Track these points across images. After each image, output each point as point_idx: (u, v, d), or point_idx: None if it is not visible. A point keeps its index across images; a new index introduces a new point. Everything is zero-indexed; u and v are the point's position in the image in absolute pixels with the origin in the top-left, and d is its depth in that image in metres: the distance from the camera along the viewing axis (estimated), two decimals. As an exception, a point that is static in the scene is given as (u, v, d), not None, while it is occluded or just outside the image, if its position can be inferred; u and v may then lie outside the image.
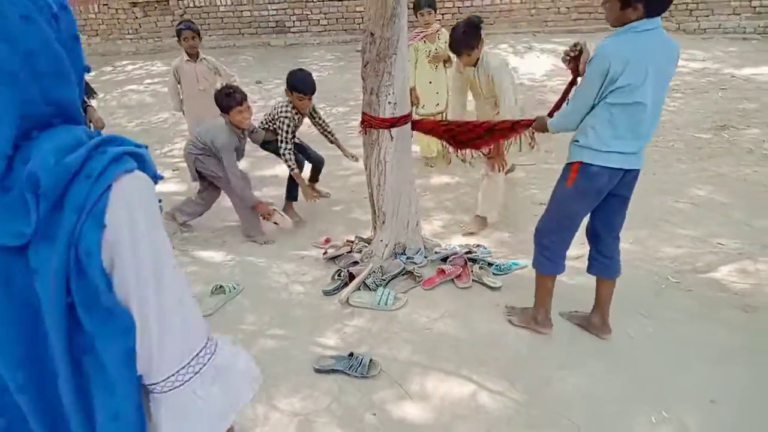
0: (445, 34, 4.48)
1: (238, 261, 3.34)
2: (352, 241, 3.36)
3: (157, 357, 0.72)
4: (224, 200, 3.76)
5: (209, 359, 0.77)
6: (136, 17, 10.42)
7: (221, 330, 2.60)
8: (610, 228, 2.35)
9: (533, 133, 2.67)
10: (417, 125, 3.06)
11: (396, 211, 3.04)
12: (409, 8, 2.87)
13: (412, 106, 3.35)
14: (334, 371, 2.31)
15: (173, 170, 5.00)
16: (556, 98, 2.63)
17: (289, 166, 3.58)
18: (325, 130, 3.95)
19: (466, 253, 3.12)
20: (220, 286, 2.92)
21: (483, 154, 3.24)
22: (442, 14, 9.57)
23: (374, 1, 2.60)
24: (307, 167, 3.98)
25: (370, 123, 2.87)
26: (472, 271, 2.97)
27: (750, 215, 3.55)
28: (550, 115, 2.41)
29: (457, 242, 3.41)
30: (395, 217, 3.05)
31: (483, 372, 2.29)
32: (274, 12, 10.19)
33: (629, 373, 2.25)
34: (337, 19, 10.15)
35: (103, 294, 0.67)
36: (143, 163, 0.72)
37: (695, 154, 4.67)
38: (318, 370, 2.32)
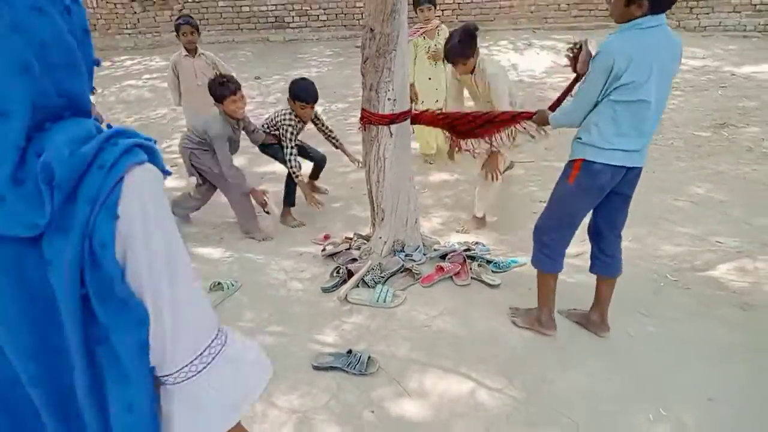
0: (444, 31, 4.47)
1: (237, 257, 3.34)
2: (351, 238, 3.35)
3: (171, 348, 0.72)
4: (222, 196, 3.75)
5: (221, 349, 0.78)
6: (135, 12, 10.37)
7: (219, 326, 2.60)
8: (612, 226, 2.34)
9: (537, 128, 2.65)
10: (417, 119, 3.05)
11: (395, 208, 3.03)
12: (408, 4, 2.86)
13: (411, 102, 3.34)
14: (332, 368, 2.30)
15: (171, 166, 4.98)
16: (555, 95, 2.62)
17: (294, 173, 3.58)
18: (329, 136, 3.96)
19: (465, 250, 3.11)
20: (219, 283, 2.92)
21: (476, 154, 3.23)
22: (442, 10, 9.54)
23: (374, -4, 2.58)
24: (308, 165, 3.97)
25: (369, 119, 2.86)
26: (470, 269, 2.96)
27: (749, 213, 3.55)
28: (552, 109, 2.41)
29: (455, 240, 3.40)
30: (394, 214, 3.05)
31: (482, 369, 2.29)
32: (273, 7, 10.15)
33: (628, 371, 2.25)
34: (336, 14, 10.11)
35: (118, 285, 0.67)
36: (153, 156, 0.72)
37: (694, 152, 4.67)
38: (316, 367, 2.32)
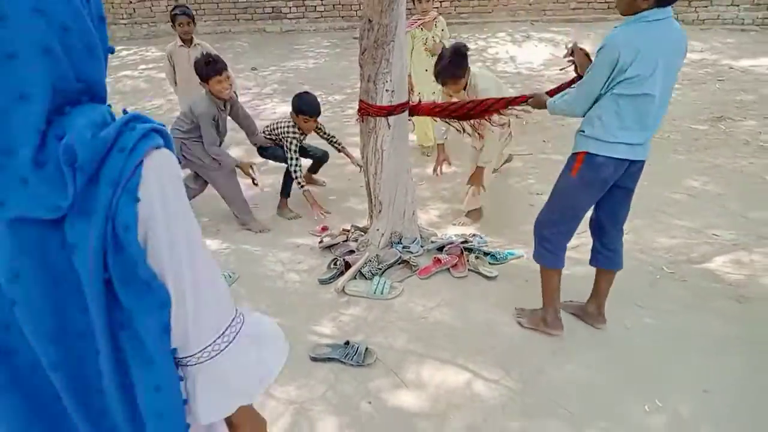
0: (442, 22, 4.45)
1: (234, 249, 3.33)
2: (348, 230, 3.35)
3: (193, 328, 0.74)
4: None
5: (241, 327, 0.80)
6: (131, 2, 10.27)
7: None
8: (614, 220, 2.32)
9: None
10: (415, 110, 3.03)
11: (393, 200, 3.03)
12: (407, -5, 2.84)
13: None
14: (329, 360, 2.31)
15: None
16: (553, 87, 2.61)
17: (298, 183, 3.57)
18: (331, 141, 3.97)
19: (462, 242, 3.11)
20: (216, 274, 2.90)
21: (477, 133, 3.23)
22: (440, 2, 9.50)
23: (372, -14, 2.56)
24: (308, 161, 3.98)
25: (367, 111, 2.84)
26: (468, 261, 2.97)
27: (745, 206, 3.56)
28: (551, 96, 2.39)
29: (453, 232, 3.40)
30: (392, 206, 3.04)
31: (478, 360, 2.30)
32: (270, -2, 10.08)
33: (624, 362, 2.27)
34: (333, 5, 10.04)
35: (141, 267, 0.68)
36: (167, 141, 0.73)
37: (692, 145, 4.67)
38: (314, 359, 2.32)
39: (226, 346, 0.78)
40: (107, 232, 0.66)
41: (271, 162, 4.03)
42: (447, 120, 3.12)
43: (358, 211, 3.76)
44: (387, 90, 2.76)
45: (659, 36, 1.92)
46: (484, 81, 3.23)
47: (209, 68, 3.21)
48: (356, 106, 2.97)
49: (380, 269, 2.91)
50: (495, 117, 2.89)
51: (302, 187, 3.58)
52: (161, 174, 0.69)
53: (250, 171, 3.53)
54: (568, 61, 2.38)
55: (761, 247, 3.09)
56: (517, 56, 7.94)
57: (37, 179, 0.63)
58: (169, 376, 0.74)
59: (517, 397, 2.11)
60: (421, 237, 3.20)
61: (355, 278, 2.88)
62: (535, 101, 2.45)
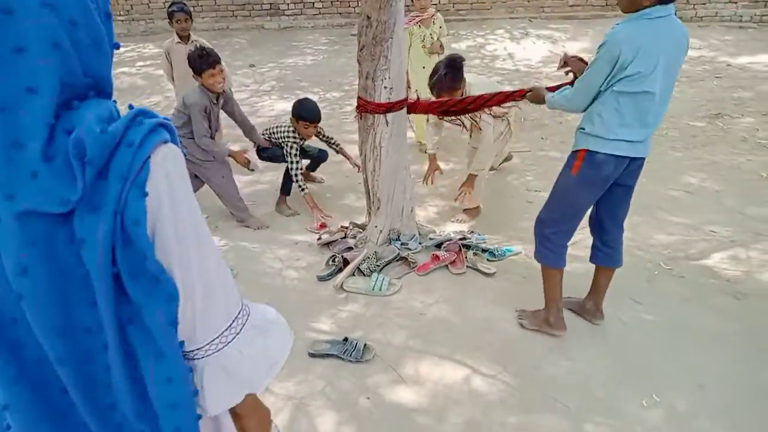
0: (440, 19, 4.45)
1: (232, 246, 3.33)
2: (347, 227, 3.35)
3: (201, 320, 0.75)
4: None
5: (247, 318, 0.82)
6: (128, -2, 10.25)
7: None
8: (614, 218, 2.32)
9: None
10: (413, 108, 3.03)
11: (391, 197, 3.03)
12: (405, -9, 2.83)
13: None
14: (328, 356, 2.31)
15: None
16: (551, 84, 2.61)
17: (300, 187, 3.57)
18: (330, 143, 3.98)
19: (461, 239, 3.12)
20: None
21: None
22: (438, -1, 9.48)
23: (370, -17, 2.56)
24: (306, 160, 3.98)
25: (365, 108, 2.84)
26: (466, 258, 2.97)
27: (743, 203, 3.57)
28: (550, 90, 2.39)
29: (451, 229, 3.41)
30: (390, 203, 3.04)
31: (477, 356, 2.31)
32: (268, -6, 10.05)
33: (621, 357, 2.28)
34: (332, 2, 10.02)
35: (149, 261, 0.69)
36: (173, 135, 0.74)
37: (689, 142, 4.68)
38: (312, 355, 2.33)
39: (234, 338, 0.79)
40: (116, 226, 0.66)
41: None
42: (445, 118, 3.12)
43: (356, 208, 3.77)
44: (385, 87, 2.76)
45: (661, 33, 1.91)
46: (480, 89, 3.23)
47: (202, 61, 3.20)
48: (354, 103, 2.97)
49: (379, 266, 2.92)
50: (495, 108, 2.89)
51: (303, 190, 3.58)
52: (169, 168, 0.69)
53: (245, 158, 3.55)
54: (565, 73, 2.39)
55: (758, 244, 3.10)
56: (515, 53, 7.94)
57: (47, 173, 0.64)
58: (179, 368, 0.75)
59: (516, 392, 2.12)
60: (419, 234, 3.21)
61: (353, 275, 2.89)
62: (534, 95, 2.44)
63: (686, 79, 6.26)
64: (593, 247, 2.43)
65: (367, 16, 2.64)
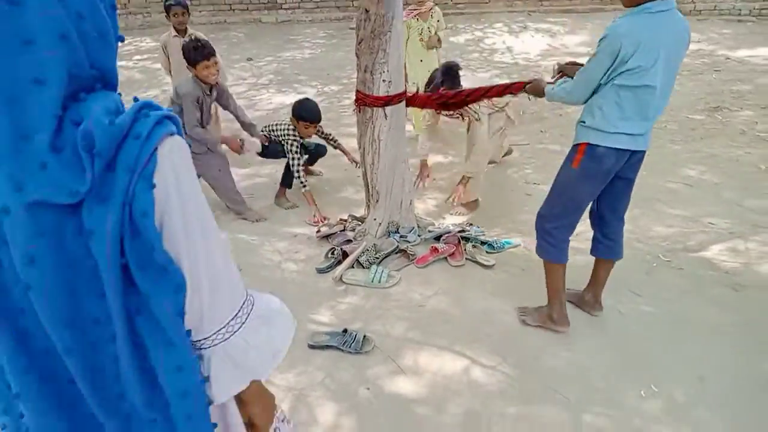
0: (438, 13, 4.44)
1: (230, 239, 3.32)
2: (346, 220, 3.35)
3: (208, 310, 0.76)
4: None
5: (252, 308, 0.83)
6: (124, -8, 10.19)
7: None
8: (614, 211, 2.31)
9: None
10: (412, 101, 3.03)
11: (390, 189, 3.02)
12: (404, -17, 2.82)
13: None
14: (328, 347, 2.32)
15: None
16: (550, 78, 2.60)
17: (301, 183, 3.57)
18: (329, 140, 3.98)
19: (460, 231, 3.12)
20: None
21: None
22: (437, -8, 9.44)
23: (369, -26, 2.55)
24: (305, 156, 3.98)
25: (364, 101, 2.83)
26: (465, 250, 2.98)
27: (741, 195, 3.58)
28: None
29: (450, 221, 3.41)
30: (389, 196, 3.04)
31: (476, 348, 2.31)
32: (266, -12, 10.00)
33: (620, 349, 2.28)
34: (329, -4, 9.99)
35: (157, 252, 0.69)
36: (178, 127, 0.75)
37: (688, 135, 4.69)
38: (312, 346, 2.33)
39: (239, 327, 0.80)
40: (124, 217, 0.67)
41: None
42: (443, 113, 3.12)
43: (355, 200, 3.76)
44: (384, 80, 2.75)
45: (662, 27, 1.90)
46: None
47: (197, 53, 3.19)
48: (353, 96, 2.96)
49: (378, 258, 2.92)
50: (495, 99, 2.89)
51: (304, 186, 3.58)
52: (175, 160, 0.70)
53: (236, 141, 3.56)
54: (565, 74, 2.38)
55: (757, 236, 3.11)
56: (513, 47, 7.93)
57: (56, 164, 0.64)
58: (189, 356, 0.76)
59: (515, 383, 2.12)
60: (418, 226, 3.21)
61: (352, 267, 2.89)
62: (533, 87, 2.44)
63: (686, 73, 6.26)
64: (594, 239, 2.43)
65: (366, 10, 2.62)
